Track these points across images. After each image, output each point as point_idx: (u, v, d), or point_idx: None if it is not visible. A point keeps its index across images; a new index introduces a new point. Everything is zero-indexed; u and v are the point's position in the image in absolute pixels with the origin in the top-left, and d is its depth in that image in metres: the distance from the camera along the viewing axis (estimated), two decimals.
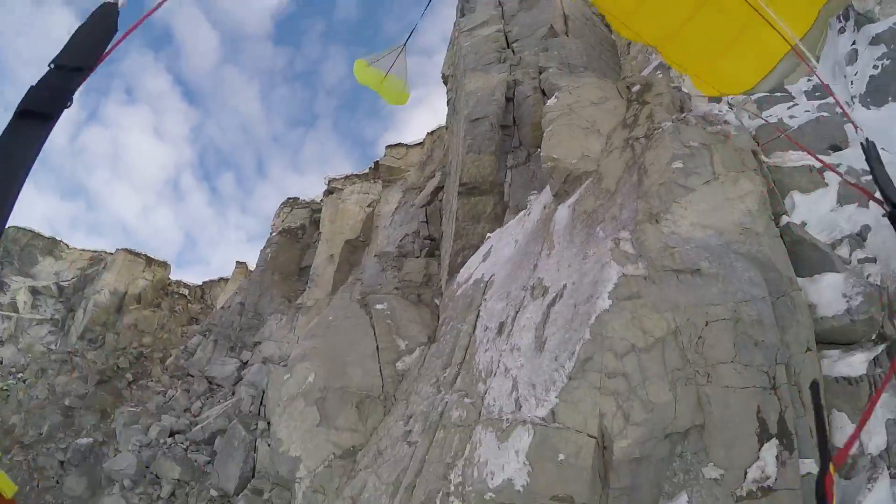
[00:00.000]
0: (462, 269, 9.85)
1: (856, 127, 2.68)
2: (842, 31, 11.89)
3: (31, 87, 1.54)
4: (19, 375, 23.35)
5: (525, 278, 6.41)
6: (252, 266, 32.20)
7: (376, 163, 23.50)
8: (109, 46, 1.74)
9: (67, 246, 34.03)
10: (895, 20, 9.90)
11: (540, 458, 3.94)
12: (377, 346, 8.74)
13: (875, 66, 9.49)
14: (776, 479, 4.00)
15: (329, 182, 24.67)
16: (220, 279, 35.05)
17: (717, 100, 11.45)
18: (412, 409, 6.48)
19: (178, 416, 16.59)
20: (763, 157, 6.95)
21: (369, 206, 22.35)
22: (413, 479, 5.11)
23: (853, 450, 4.39)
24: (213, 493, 12.71)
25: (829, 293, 5.47)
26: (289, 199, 26.71)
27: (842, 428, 4.94)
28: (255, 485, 9.80)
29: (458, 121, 12.64)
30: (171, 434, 15.49)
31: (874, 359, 5.13)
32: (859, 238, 6.33)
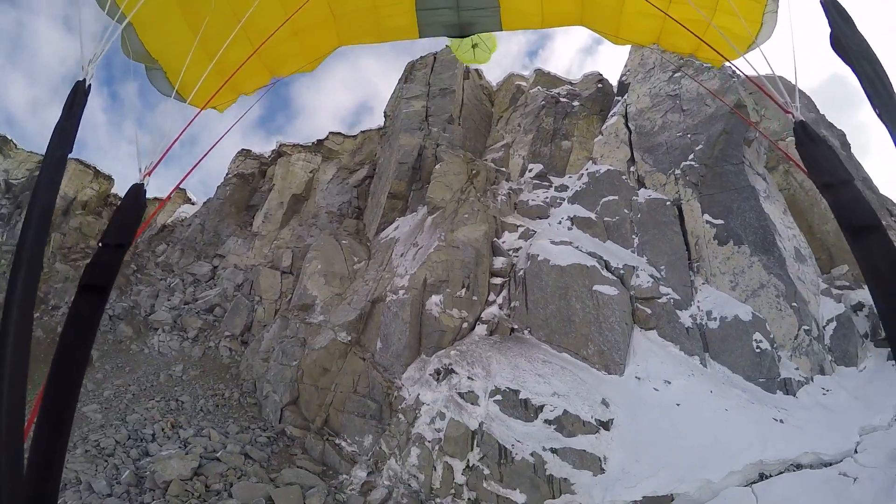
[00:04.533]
0: (383, 231, 25.00)
1: (785, 111, 2.82)
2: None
3: (88, 265, 2.27)
4: None
5: (412, 240, 21.73)
6: (190, 193, 45.20)
7: (320, 141, 37.51)
8: (142, 223, 2.55)
9: (16, 146, 41.84)
10: None
11: (412, 281, 19.08)
12: (344, 258, 23.69)
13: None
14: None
15: (280, 146, 38.28)
16: (156, 198, 46.89)
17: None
18: (366, 278, 21.57)
19: (182, 293, 30.21)
20: (501, 218, 22.60)
21: (311, 171, 36.28)
22: (369, 293, 20.20)
23: None
24: (226, 334, 26.72)
25: (498, 262, 21.22)
26: (242, 149, 39.77)
27: None
28: (284, 316, 24.02)
29: (392, 155, 27.64)
30: (185, 303, 29.15)
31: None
32: (518, 250, 22.09)
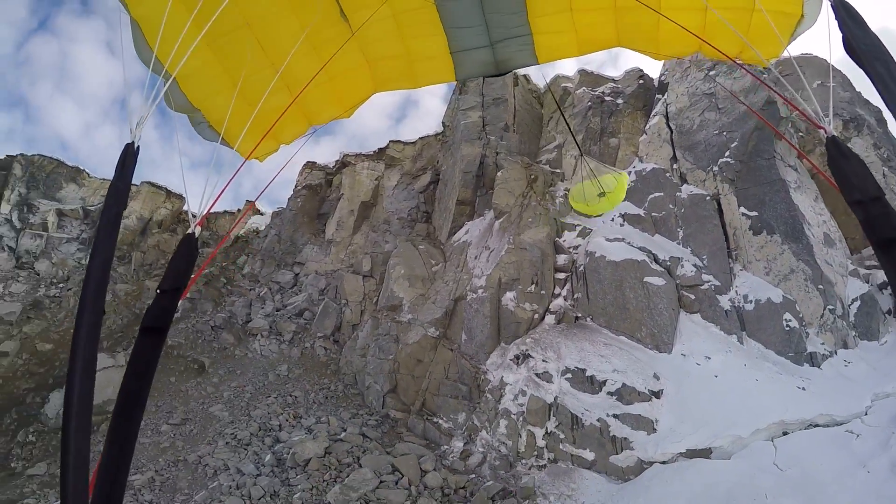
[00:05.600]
0: (454, 235, 29.46)
1: (817, 126, 2.90)
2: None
3: (148, 309, 2.63)
4: (61, 286, 37.49)
5: (484, 243, 26.07)
6: (259, 205, 50.51)
7: (381, 149, 42.11)
8: (195, 269, 2.99)
9: (88, 175, 45.96)
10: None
11: (489, 281, 23.45)
12: (423, 262, 28.26)
13: None
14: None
15: (343, 157, 43.01)
16: (225, 212, 52.17)
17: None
18: (446, 279, 26.07)
19: (272, 300, 35.28)
20: (560, 219, 26.73)
21: (376, 179, 40.89)
22: (451, 292, 24.70)
23: None
24: (319, 335, 31.57)
25: (560, 260, 25.42)
26: (308, 162, 44.59)
27: None
28: (374, 316, 28.72)
29: (455, 164, 31.93)
30: (277, 310, 34.18)
31: None
32: (577, 248, 26.20)
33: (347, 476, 17.55)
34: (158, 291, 2.75)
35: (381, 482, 17.17)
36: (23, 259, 40.19)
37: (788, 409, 17.19)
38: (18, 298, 36.30)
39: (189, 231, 3.04)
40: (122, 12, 4.23)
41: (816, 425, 16.75)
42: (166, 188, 46.13)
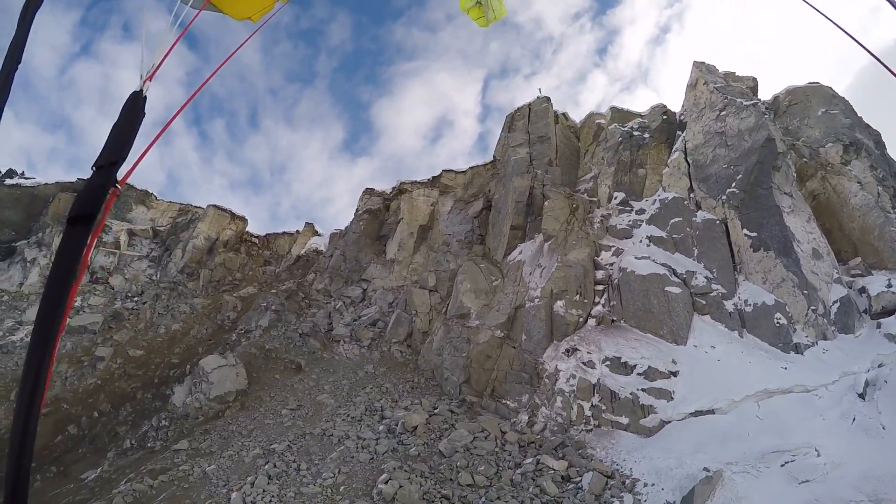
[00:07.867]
0: (509, 255, 37.65)
1: None
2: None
3: (78, 194, 2.25)
4: (136, 299, 45.46)
5: (536, 262, 34.13)
6: (318, 228, 58.92)
7: (434, 177, 50.44)
8: (154, 137, 2.69)
9: (156, 198, 54.84)
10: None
11: (542, 292, 31.50)
12: (484, 278, 36.53)
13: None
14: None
15: (400, 184, 51.35)
16: (284, 233, 59.75)
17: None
18: (506, 291, 34.24)
19: (348, 312, 43.65)
20: (598, 241, 34.85)
21: (431, 204, 49.16)
22: (511, 302, 32.89)
23: None
24: (393, 340, 39.68)
25: (599, 274, 33.58)
26: (367, 188, 52.82)
27: None
28: (446, 323, 36.87)
29: (507, 194, 40.06)
30: (354, 320, 42.44)
31: None
32: (612, 265, 34.31)
33: (449, 435, 25.57)
34: (94, 169, 2.37)
35: (474, 437, 24.94)
36: (97, 274, 48.00)
37: (772, 381, 24.71)
38: (98, 310, 44.13)
39: (137, 89, 2.72)
40: None
41: (792, 392, 24.46)
42: (230, 210, 54.43)
